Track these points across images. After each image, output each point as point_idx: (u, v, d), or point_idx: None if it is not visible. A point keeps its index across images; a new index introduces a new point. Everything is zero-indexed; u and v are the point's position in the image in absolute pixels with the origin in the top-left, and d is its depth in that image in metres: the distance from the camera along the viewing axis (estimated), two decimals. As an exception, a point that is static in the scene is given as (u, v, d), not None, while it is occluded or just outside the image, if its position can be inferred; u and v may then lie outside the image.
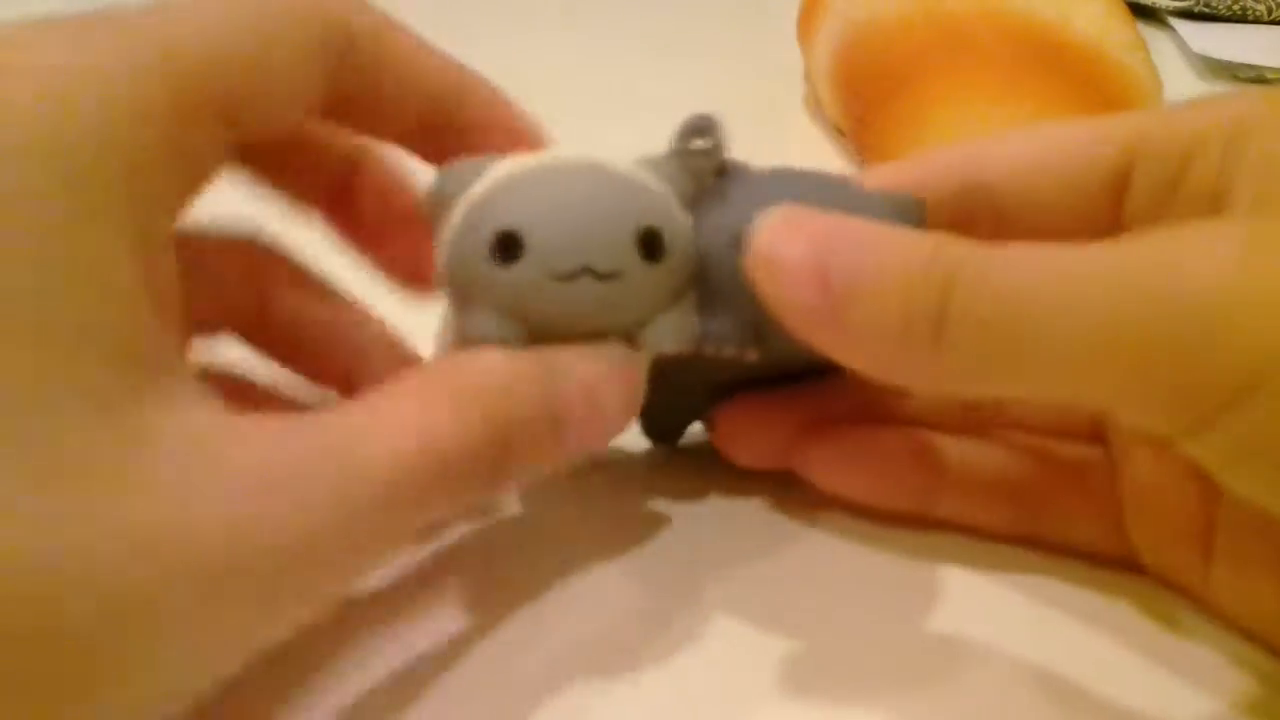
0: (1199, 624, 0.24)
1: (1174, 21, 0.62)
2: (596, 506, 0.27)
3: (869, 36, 0.44)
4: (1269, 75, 0.57)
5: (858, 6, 0.45)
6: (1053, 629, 0.24)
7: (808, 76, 0.51)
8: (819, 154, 0.47)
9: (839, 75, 0.46)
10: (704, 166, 0.23)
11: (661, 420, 0.28)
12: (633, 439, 0.28)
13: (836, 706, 0.22)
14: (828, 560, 0.26)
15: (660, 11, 0.63)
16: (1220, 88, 0.57)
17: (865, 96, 0.45)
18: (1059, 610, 0.24)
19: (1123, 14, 0.43)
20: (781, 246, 0.20)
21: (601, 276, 0.21)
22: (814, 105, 0.51)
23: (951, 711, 0.22)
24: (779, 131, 0.50)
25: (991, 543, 0.26)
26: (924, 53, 0.42)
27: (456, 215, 0.22)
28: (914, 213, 0.24)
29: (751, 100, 0.52)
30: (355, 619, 0.23)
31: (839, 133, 0.48)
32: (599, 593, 0.24)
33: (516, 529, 0.26)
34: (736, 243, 0.22)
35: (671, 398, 0.26)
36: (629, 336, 0.22)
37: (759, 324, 0.23)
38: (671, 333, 0.22)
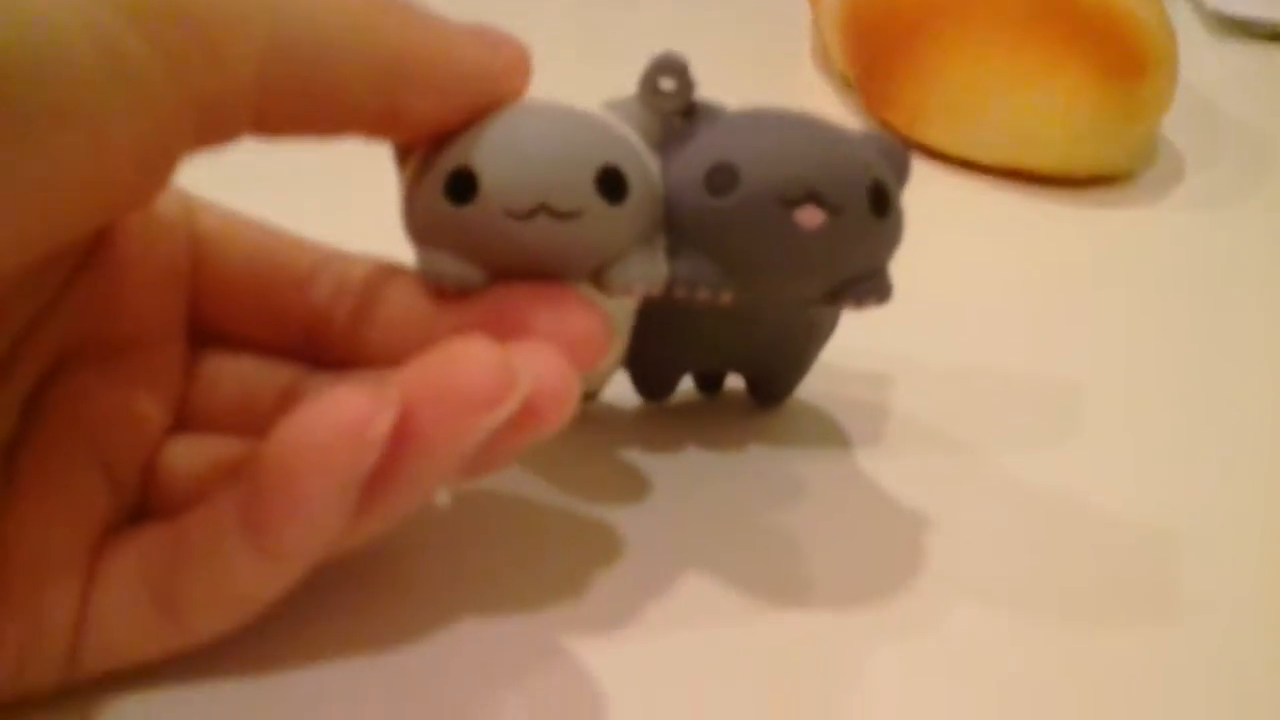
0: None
1: (1189, -25, 0.61)
2: (586, 461, 0.26)
3: (879, -15, 0.44)
4: (1285, 30, 0.56)
5: (868, -46, 0.45)
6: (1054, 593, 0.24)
7: (816, 26, 0.51)
8: (826, 106, 0.46)
9: (848, 23, 0.45)
10: (670, 107, 0.23)
11: (652, 375, 0.27)
12: (624, 393, 0.28)
13: (822, 666, 0.22)
14: (821, 515, 0.25)
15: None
16: (1234, 43, 0.56)
17: (874, 45, 0.44)
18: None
19: (1137, -35, 0.42)
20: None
21: (560, 215, 0.20)
22: (821, 56, 0.50)
23: (942, 661, 0.22)
24: (785, 83, 0.49)
25: (990, 507, 0.26)
26: (934, 1, 0.42)
27: (415, 160, 0.21)
28: (900, 157, 0.23)
29: (758, 51, 0.51)
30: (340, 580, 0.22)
31: (846, 84, 0.47)
32: (589, 547, 0.24)
33: (507, 481, 0.26)
34: (705, 182, 0.22)
35: (661, 352, 0.26)
36: (597, 277, 0.22)
37: (732, 266, 0.22)
38: (639, 273, 0.22)
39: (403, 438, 0.18)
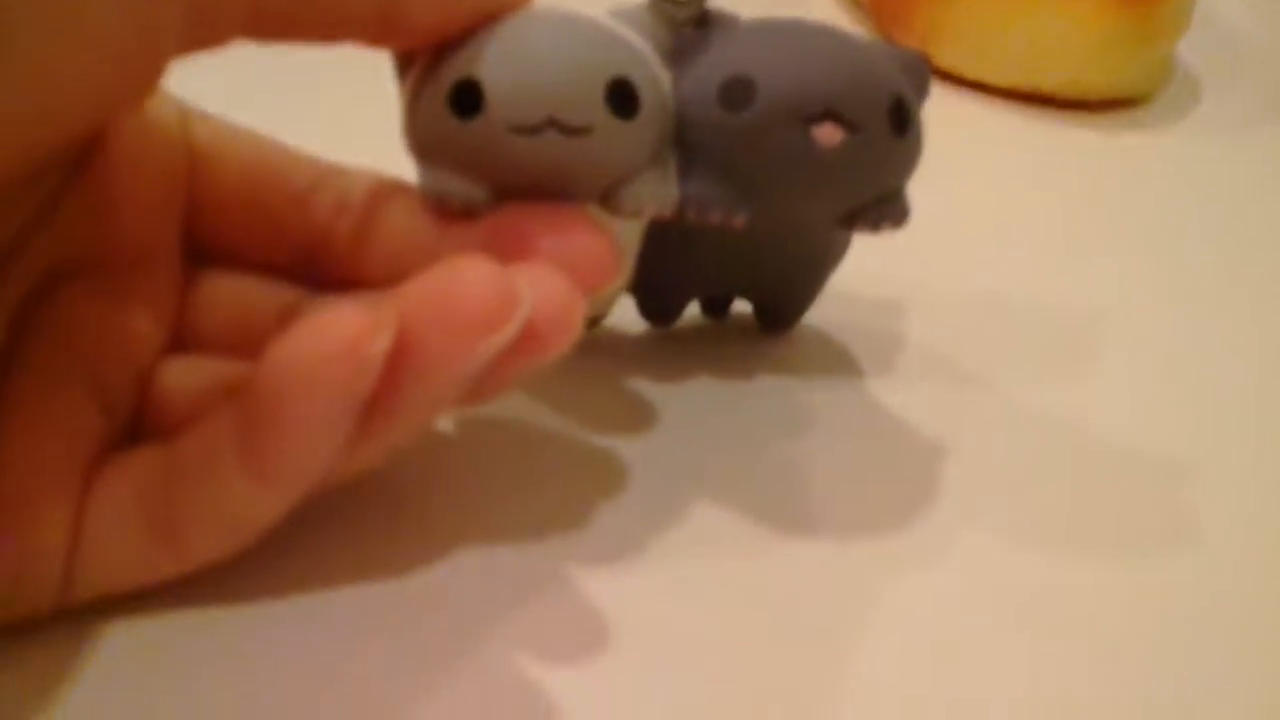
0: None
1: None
2: (591, 388, 0.26)
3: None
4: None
5: None
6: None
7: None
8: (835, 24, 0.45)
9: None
10: (682, 16, 0.22)
11: (658, 299, 0.27)
12: (629, 319, 0.27)
13: (831, 598, 0.22)
14: (830, 444, 0.25)
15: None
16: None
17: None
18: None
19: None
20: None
21: (568, 131, 0.19)
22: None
23: (954, 591, 0.22)
24: (795, 3, 0.48)
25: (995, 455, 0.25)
26: (949, -81, 0.41)
27: (417, 70, 0.21)
28: (919, 69, 0.23)
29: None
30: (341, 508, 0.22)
31: (857, 4, 0.46)
32: (593, 476, 0.24)
33: (510, 408, 0.25)
34: (719, 97, 0.21)
35: (667, 276, 0.26)
36: (605, 198, 0.21)
37: (746, 186, 0.21)
38: (649, 193, 0.21)
39: (401, 359, 0.17)
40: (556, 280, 0.19)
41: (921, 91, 0.23)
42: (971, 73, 0.41)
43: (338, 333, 0.17)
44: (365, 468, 0.20)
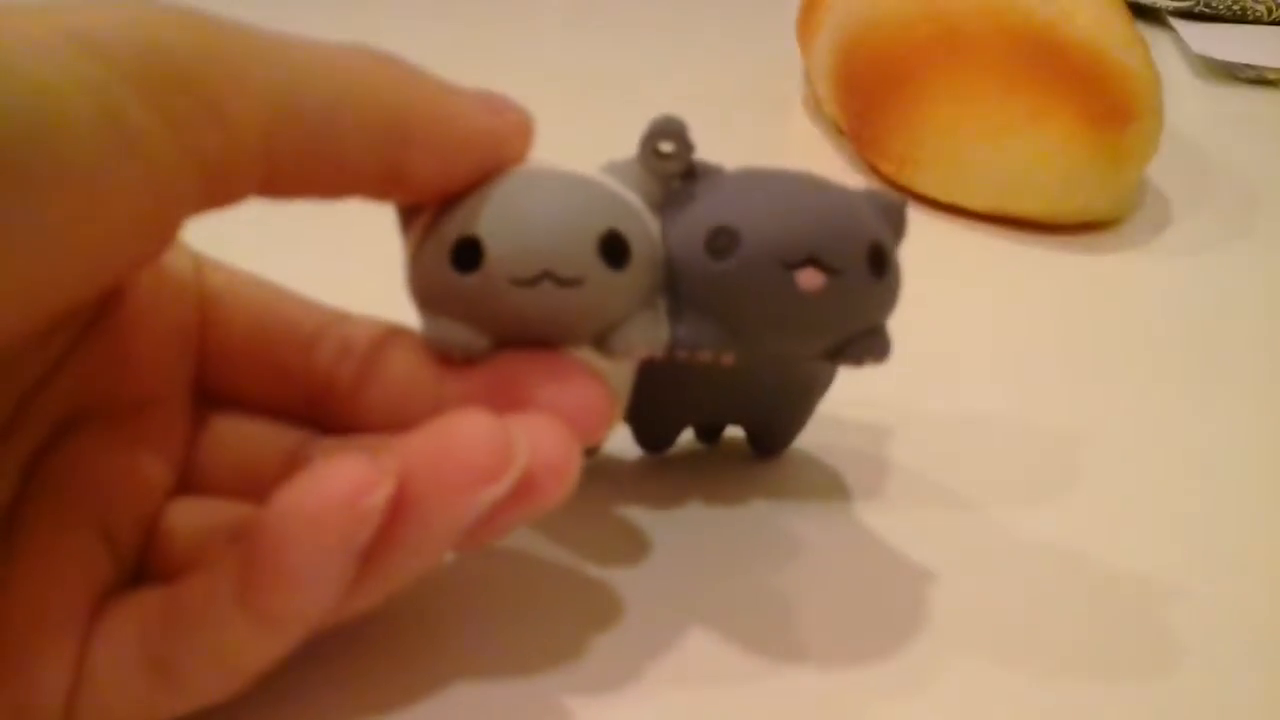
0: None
1: (1174, 21, 0.62)
2: (586, 517, 0.26)
3: (869, 35, 0.44)
4: (1269, 75, 0.57)
5: (857, 5, 0.45)
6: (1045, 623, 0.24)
7: (807, 76, 0.51)
8: (819, 153, 0.47)
9: (838, 74, 0.46)
10: (670, 170, 0.23)
11: (652, 429, 0.27)
12: (623, 445, 0.28)
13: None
14: (822, 571, 0.25)
15: (660, 11, 0.63)
16: (1219, 88, 0.57)
17: (865, 95, 0.44)
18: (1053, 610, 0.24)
19: (1122, 13, 0.43)
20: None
21: (563, 282, 0.20)
22: (813, 104, 0.50)
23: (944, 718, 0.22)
24: (778, 131, 0.50)
25: (991, 549, 0.26)
26: (923, 51, 0.42)
27: (420, 226, 0.22)
28: (897, 212, 0.24)
29: (751, 99, 0.51)
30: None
31: (838, 131, 0.48)
32: (587, 606, 0.24)
33: (504, 538, 0.25)
34: (706, 245, 0.22)
35: (661, 406, 0.26)
36: (599, 340, 0.22)
37: (734, 327, 0.22)
38: (640, 336, 0.22)
39: (400, 510, 0.18)
40: (554, 431, 0.20)
41: (899, 233, 0.24)
42: (946, 197, 0.42)
43: (339, 484, 0.18)
44: (362, 609, 0.20)
